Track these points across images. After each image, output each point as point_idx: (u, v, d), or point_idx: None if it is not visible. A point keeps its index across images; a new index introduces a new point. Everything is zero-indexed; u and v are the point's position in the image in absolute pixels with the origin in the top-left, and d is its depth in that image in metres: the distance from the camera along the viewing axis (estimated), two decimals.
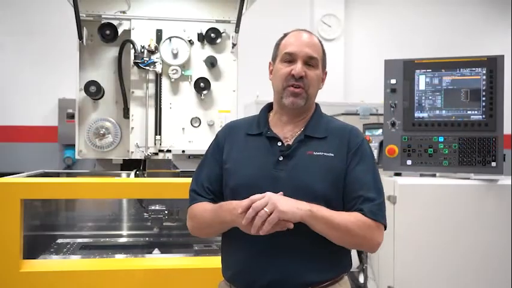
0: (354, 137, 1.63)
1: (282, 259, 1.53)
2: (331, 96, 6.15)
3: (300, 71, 1.59)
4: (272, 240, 1.50)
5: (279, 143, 1.62)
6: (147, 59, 3.01)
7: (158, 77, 3.06)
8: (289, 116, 1.67)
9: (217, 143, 1.73)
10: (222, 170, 1.67)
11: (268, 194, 1.45)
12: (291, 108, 1.63)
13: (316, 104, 1.74)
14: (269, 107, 1.76)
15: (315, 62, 1.63)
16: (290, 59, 1.62)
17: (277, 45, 1.70)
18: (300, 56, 1.61)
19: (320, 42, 1.69)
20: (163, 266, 2.48)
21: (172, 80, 3.05)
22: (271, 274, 1.53)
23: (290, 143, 1.62)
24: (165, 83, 3.08)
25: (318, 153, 1.59)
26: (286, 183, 1.54)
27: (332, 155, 1.59)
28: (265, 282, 1.53)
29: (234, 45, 3.10)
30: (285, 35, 1.70)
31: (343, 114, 4.78)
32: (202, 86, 3.06)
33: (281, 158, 1.59)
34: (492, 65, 2.86)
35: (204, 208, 1.63)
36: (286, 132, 1.66)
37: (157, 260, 2.64)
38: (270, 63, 1.74)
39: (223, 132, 1.76)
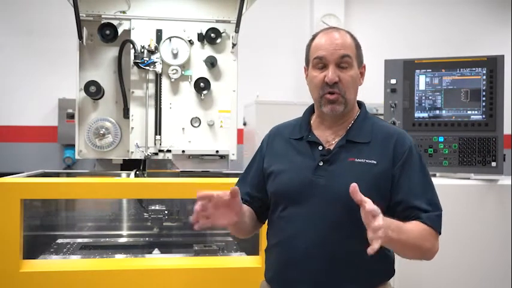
0: (400, 145, 1.56)
1: (319, 267, 1.51)
2: None
3: (333, 78, 1.52)
4: (309, 248, 1.49)
5: (320, 147, 1.58)
6: (147, 59, 3.01)
7: (158, 77, 3.06)
8: (331, 121, 1.62)
9: (261, 151, 1.74)
10: (264, 177, 1.67)
11: None
12: (331, 115, 1.58)
13: (361, 104, 1.67)
14: (312, 109, 1.71)
15: (348, 61, 1.54)
16: (321, 64, 1.55)
17: (308, 48, 1.63)
18: (331, 60, 1.53)
19: (352, 36, 1.60)
20: (163, 266, 2.48)
21: (172, 80, 3.05)
22: (306, 282, 1.52)
23: (331, 147, 1.57)
24: (165, 83, 3.08)
25: (360, 160, 1.53)
26: (324, 191, 1.51)
27: (375, 162, 1.53)
28: None
29: (234, 45, 3.10)
30: (314, 36, 1.62)
31: None
32: (202, 86, 3.06)
33: (321, 163, 1.55)
34: (492, 65, 2.86)
35: None
36: (328, 136, 1.61)
37: (157, 260, 2.64)
38: (304, 67, 1.67)
39: (266, 139, 1.75)
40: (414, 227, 1.47)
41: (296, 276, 1.53)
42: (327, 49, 1.54)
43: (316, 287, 1.51)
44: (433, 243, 1.51)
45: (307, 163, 1.57)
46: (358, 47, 1.61)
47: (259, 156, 1.74)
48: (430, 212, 1.52)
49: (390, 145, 1.55)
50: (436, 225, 1.52)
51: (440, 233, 1.55)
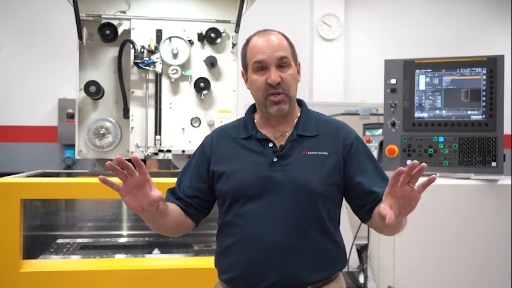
0: (346, 135, 1.65)
1: (283, 260, 1.53)
2: (331, 96, 6.15)
3: (276, 79, 1.56)
4: (275, 241, 1.52)
5: (271, 144, 1.61)
6: (147, 59, 3.01)
7: (158, 77, 3.06)
8: (276, 120, 1.66)
9: (203, 152, 1.71)
10: (209, 178, 1.66)
11: None
12: (278, 115, 1.62)
13: (301, 101, 1.73)
14: (253, 109, 1.74)
15: (287, 61, 1.60)
16: (261, 66, 1.60)
17: (244, 53, 1.67)
18: (271, 63, 1.58)
19: (284, 36, 1.66)
20: (163, 266, 2.48)
21: (172, 80, 3.05)
22: (273, 275, 1.53)
23: (282, 143, 1.62)
24: (165, 83, 3.08)
25: (313, 153, 1.59)
26: (282, 185, 1.55)
27: (326, 153, 1.60)
28: (268, 284, 1.53)
29: (234, 45, 3.10)
30: (248, 41, 1.67)
31: (343, 114, 4.77)
32: (202, 86, 3.06)
33: (275, 159, 1.58)
34: (492, 65, 2.86)
35: None
36: (276, 133, 1.65)
37: (157, 260, 2.64)
38: (242, 72, 1.71)
39: (209, 140, 1.73)
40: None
41: (264, 271, 1.54)
42: (265, 52, 1.58)
43: (283, 279, 1.53)
44: None
45: (260, 160, 1.59)
46: (292, 46, 1.66)
47: (200, 157, 1.70)
48: None
49: (338, 136, 1.64)
50: None
51: None
